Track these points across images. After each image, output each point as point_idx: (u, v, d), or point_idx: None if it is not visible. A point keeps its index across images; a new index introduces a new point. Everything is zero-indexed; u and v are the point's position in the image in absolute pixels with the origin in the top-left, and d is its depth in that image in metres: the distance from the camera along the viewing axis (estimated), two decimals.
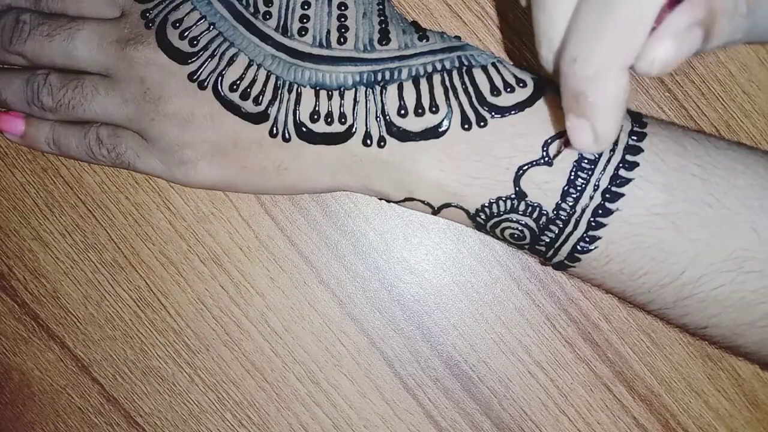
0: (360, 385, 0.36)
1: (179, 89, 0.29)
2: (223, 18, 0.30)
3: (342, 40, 0.29)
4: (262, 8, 0.30)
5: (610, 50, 0.19)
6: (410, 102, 0.28)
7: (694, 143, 0.28)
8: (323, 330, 0.36)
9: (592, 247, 0.28)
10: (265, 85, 0.29)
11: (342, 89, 0.29)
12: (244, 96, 0.29)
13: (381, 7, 0.31)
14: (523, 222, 0.28)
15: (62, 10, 0.32)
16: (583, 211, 0.27)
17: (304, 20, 0.30)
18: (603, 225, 0.27)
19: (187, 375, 0.36)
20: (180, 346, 0.36)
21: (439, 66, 0.29)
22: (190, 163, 0.31)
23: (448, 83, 0.29)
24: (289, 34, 0.29)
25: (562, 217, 0.28)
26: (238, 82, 0.29)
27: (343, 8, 0.30)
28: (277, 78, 0.29)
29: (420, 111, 0.28)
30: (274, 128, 0.29)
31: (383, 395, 0.36)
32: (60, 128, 0.33)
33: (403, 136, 0.29)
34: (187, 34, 0.29)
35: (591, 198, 0.27)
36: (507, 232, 0.29)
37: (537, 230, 0.28)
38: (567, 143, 0.26)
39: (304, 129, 0.29)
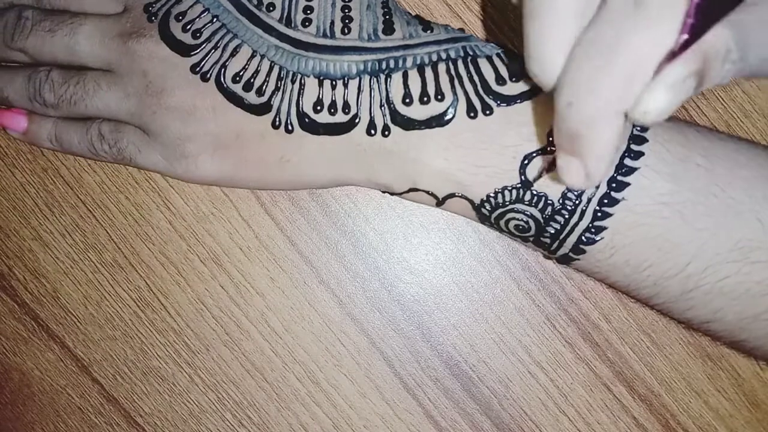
0: (360, 385, 0.36)
1: (181, 82, 0.29)
2: (227, 10, 0.30)
3: (346, 30, 0.29)
4: (266, 0, 0.30)
5: (608, 98, 0.19)
6: (415, 90, 0.28)
7: (698, 135, 0.28)
8: (323, 330, 0.36)
9: (598, 238, 0.28)
10: (268, 75, 0.29)
11: (346, 78, 0.29)
12: (247, 87, 0.29)
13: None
14: (528, 212, 0.28)
15: (64, 6, 0.32)
16: (589, 200, 0.27)
17: (308, 11, 0.30)
18: (609, 215, 0.27)
19: (187, 375, 0.36)
20: (180, 346, 0.36)
21: (444, 55, 0.29)
22: (192, 157, 0.31)
23: (453, 72, 0.29)
24: (292, 25, 0.29)
25: (568, 207, 0.28)
26: (240, 73, 0.29)
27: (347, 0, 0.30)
28: (281, 68, 0.29)
29: (425, 99, 0.28)
30: (277, 119, 0.29)
31: (383, 395, 0.36)
32: (62, 124, 0.33)
33: (408, 124, 0.29)
34: (190, 27, 0.30)
35: (597, 187, 0.27)
36: (512, 224, 0.29)
37: (542, 221, 0.28)
38: (549, 169, 0.26)
39: (307, 119, 0.29)
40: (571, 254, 0.29)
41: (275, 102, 0.29)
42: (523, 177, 0.28)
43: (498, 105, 0.28)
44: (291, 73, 0.29)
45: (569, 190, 0.27)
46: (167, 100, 0.30)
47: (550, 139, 0.28)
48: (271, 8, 0.30)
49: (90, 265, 0.36)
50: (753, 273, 0.27)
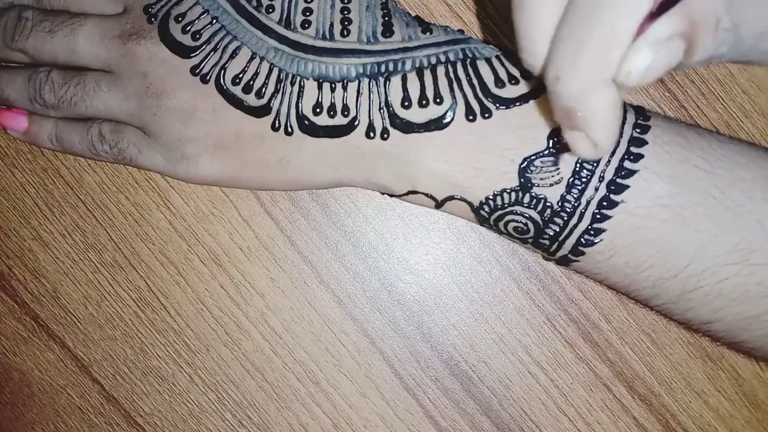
0: (360, 385, 0.36)
1: (181, 83, 0.29)
2: (226, 12, 0.30)
3: (345, 32, 0.29)
4: (265, 2, 0.30)
5: (591, 67, 0.19)
6: (414, 93, 0.28)
7: (697, 136, 0.28)
8: (323, 330, 0.36)
9: (597, 240, 0.28)
10: (267, 77, 0.29)
11: (345, 81, 0.29)
12: (247, 89, 0.29)
13: (384, 1, 0.31)
14: (527, 215, 0.28)
15: (64, 7, 0.32)
16: (588, 203, 0.27)
17: (307, 13, 0.30)
18: (608, 217, 0.27)
19: (187, 375, 0.36)
20: (180, 346, 0.36)
21: (443, 58, 0.29)
22: (192, 158, 0.31)
23: (452, 75, 0.29)
24: (292, 27, 0.29)
25: (567, 209, 0.28)
26: (240, 75, 0.29)
27: (346, 1, 0.30)
28: (280, 71, 0.29)
29: (424, 102, 0.28)
30: (277, 121, 0.29)
31: (383, 395, 0.36)
32: (62, 125, 0.33)
33: (407, 127, 0.29)
34: (190, 28, 0.29)
35: (596, 189, 0.27)
36: (511, 226, 0.29)
37: (541, 223, 0.28)
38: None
39: (307, 122, 0.29)
40: (570, 256, 0.29)
41: (275, 104, 0.29)
42: (522, 179, 0.28)
43: (497, 108, 0.28)
44: (290, 75, 0.29)
45: (568, 192, 0.27)
46: (167, 102, 0.30)
47: (550, 141, 0.28)
48: (270, 10, 0.30)
49: (90, 265, 0.36)
50: (753, 275, 0.27)
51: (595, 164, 0.27)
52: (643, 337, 0.35)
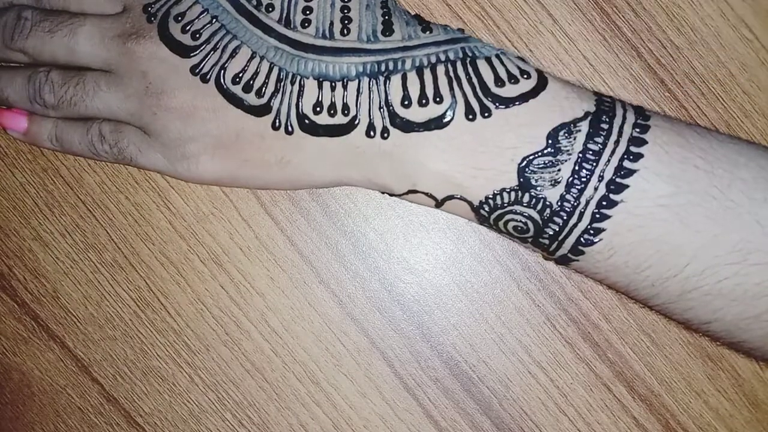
0: (360, 385, 0.36)
1: (181, 83, 0.29)
2: (226, 11, 0.30)
3: (345, 31, 0.29)
4: (265, 1, 0.30)
5: None
6: (414, 93, 0.28)
7: (697, 136, 0.28)
8: (323, 330, 0.36)
9: (596, 240, 0.28)
10: (267, 77, 0.29)
11: (345, 80, 0.29)
12: (247, 88, 0.29)
13: None
14: (526, 214, 0.28)
15: (64, 7, 0.32)
16: (588, 202, 0.27)
17: (307, 12, 0.30)
18: (607, 217, 0.27)
19: (187, 375, 0.36)
20: (180, 346, 0.36)
21: (443, 57, 0.29)
22: (193, 158, 0.31)
23: (452, 74, 0.29)
24: (292, 26, 0.29)
25: (567, 208, 0.28)
26: (240, 74, 0.29)
27: (346, 0, 0.30)
28: (280, 70, 0.29)
29: (424, 102, 0.28)
30: (277, 120, 0.29)
31: (383, 395, 0.36)
32: (62, 125, 0.33)
33: (407, 126, 0.29)
34: (189, 28, 0.29)
35: (595, 189, 0.27)
36: (510, 225, 0.29)
37: (541, 222, 0.28)
38: None
39: (307, 121, 0.29)
40: (569, 255, 0.29)
41: (275, 103, 0.29)
42: (521, 179, 0.28)
43: (496, 107, 0.28)
44: (290, 74, 0.29)
45: (567, 191, 0.27)
46: (167, 101, 0.30)
47: (550, 141, 0.28)
48: (270, 9, 0.30)
49: (90, 265, 0.36)
50: (752, 275, 0.27)
51: (594, 164, 0.27)
52: (643, 337, 0.35)
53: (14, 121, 0.33)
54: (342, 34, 0.29)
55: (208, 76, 0.29)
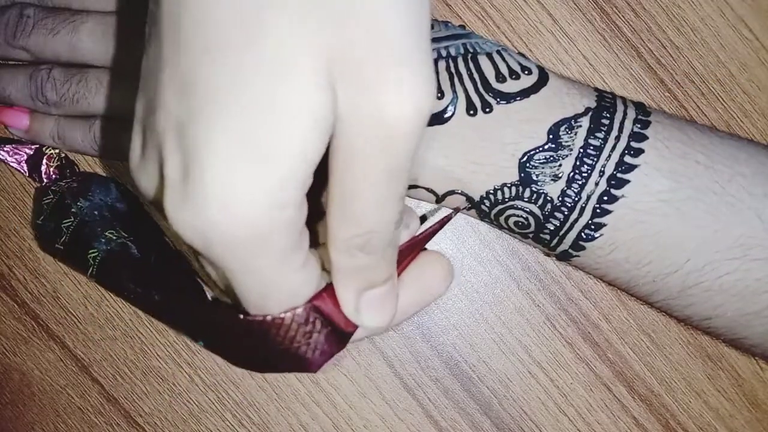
0: (360, 385, 0.36)
1: None
2: None
3: None
4: None
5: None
6: None
7: (698, 132, 0.28)
8: None
9: (597, 235, 0.28)
10: None
11: None
12: None
13: None
14: (527, 209, 0.28)
15: (66, 4, 0.32)
16: (589, 197, 0.27)
17: None
18: (608, 212, 0.27)
19: (187, 375, 0.36)
20: (180, 346, 0.36)
21: (444, 53, 0.29)
22: None
23: (453, 69, 0.29)
24: None
25: (568, 203, 0.28)
26: None
27: None
28: None
29: None
30: None
31: (383, 395, 0.36)
32: (64, 122, 0.33)
33: None
34: None
35: (596, 184, 0.27)
36: (511, 220, 0.29)
37: (542, 217, 0.28)
38: None
39: None
40: (570, 251, 0.29)
41: None
42: (522, 174, 0.28)
43: (498, 102, 0.28)
44: None
45: (568, 187, 0.28)
46: None
47: (551, 136, 0.27)
48: None
49: None
50: (752, 270, 0.27)
51: (595, 159, 0.27)
52: (643, 337, 0.35)
53: (16, 119, 0.33)
54: None
55: None
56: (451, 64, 0.29)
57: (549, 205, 0.28)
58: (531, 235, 0.30)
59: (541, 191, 0.28)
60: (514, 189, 0.28)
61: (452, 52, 0.29)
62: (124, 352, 0.36)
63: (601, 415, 0.36)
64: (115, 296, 0.36)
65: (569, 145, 0.27)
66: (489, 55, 0.29)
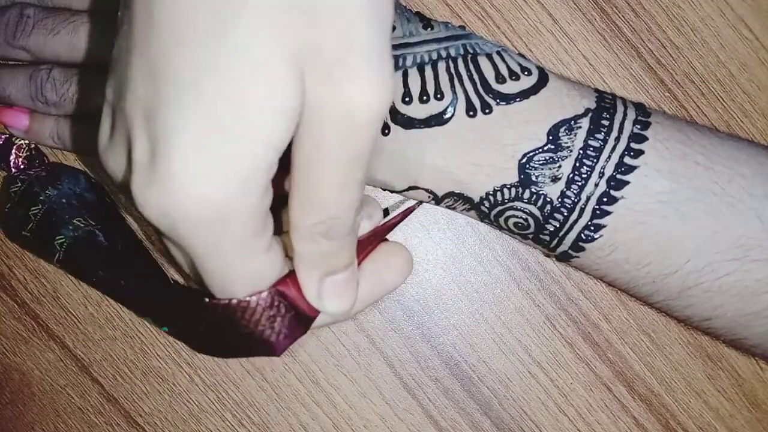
0: (360, 385, 0.36)
1: None
2: None
3: None
4: None
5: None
6: (415, 89, 0.28)
7: (697, 133, 0.28)
8: (323, 330, 0.36)
9: (597, 236, 0.28)
10: None
11: None
12: None
13: None
14: (527, 210, 0.28)
15: (66, 5, 0.32)
16: (588, 199, 0.27)
17: None
18: (608, 213, 0.27)
19: (187, 375, 0.36)
20: (180, 346, 0.36)
21: (444, 53, 0.29)
22: None
23: (453, 70, 0.29)
24: None
25: (567, 205, 0.28)
26: None
27: None
28: None
29: (425, 98, 0.28)
30: None
31: (383, 395, 0.36)
32: (64, 123, 0.33)
33: (408, 123, 0.28)
34: None
35: (596, 186, 0.27)
36: (511, 221, 0.29)
37: (541, 218, 0.28)
38: None
39: None
40: (570, 251, 0.29)
41: None
42: (522, 175, 0.28)
43: (497, 104, 0.28)
44: None
45: (568, 188, 0.28)
46: None
47: (550, 137, 0.27)
48: None
49: None
50: (752, 271, 0.27)
51: (595, 160, 0.27)
52: (643, 337, 0.35)
53: (16, 119, 0.33)
54: None
55: None
56: (451, 65, 0.29)
57: (548, 206, 0.28)
58: (531, 236, 0.30)
59: (541, 192, 0.28)
60: (513, 190, 0.28)
61: (452, 52, 0.29)
62: (124, 352, 0.36)
63: (601, 415, 0.36)
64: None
65: (569, 147, 0.27)
66: (489, 56, 0.29)
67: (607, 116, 0.28)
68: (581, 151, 0.27)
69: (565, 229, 0.28)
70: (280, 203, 0.21)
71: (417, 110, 0.28)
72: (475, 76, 0.28)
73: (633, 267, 0.29)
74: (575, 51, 0.34)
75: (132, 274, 0.27)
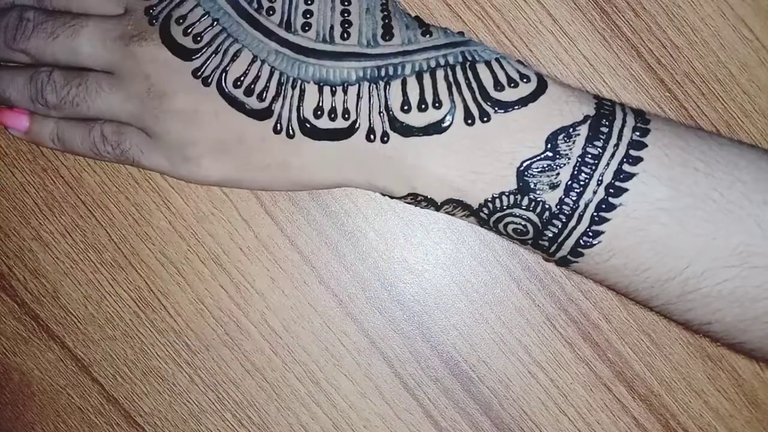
0: (360, 385, 0.36)
1: (183, 86, 0.29)
2: (227, 14, 0.30)
3: (345, 35, 0.29)
4: (266, 4, 0.30)
5: None
6: (413, 97, 0.28)
7: (697, 139, 0.28)
8: (323, 330, 0.36)
9: (596, 242, 0.28)
10: (268, 81, 0.29)
11: (345, 85, 0.29)
12: (248, 92, 0.29)
13: (384, 2, 0.31)
14: (526, 217, 0.28)
15: (66, 8, 0.32)
16: (587, 206, 0.27)
17: (308, 15, 0.30)
18: (606, 220, 0.27)
19: (187, 375, 0.36)
20: (180, 346, 0.36)
21: (442, 61, 0.29)
22: (194, 160, 0.31)
23: (451, 78, 0.29)
24: (292, 29, 0.29)
25: (566, 212, 0.28)
26: (241, 78, 0.29)
27: (346, 3, 0.30)
28: (281, 74, 0.29)
29: (423, 106, 0.28)
30: (278, 124, 0.29)
31: (383, 395, 0.36)
32: (64, 125, 0.33)
33: (407, 131, 0.29)
34: (191, 31, 0.29)
35: (594, 193, 0.27)
36: (510, 228, 0.29)
37: (540, 225, 0.28)
38: None
39: (308, 125, 0.29)
40: (569, 257, 0.29)
41: (276, 108, 0.29)
42: (520, 183, 0.28)
43: (495, 112, 0.28)
44: (291, 78, 0.29)
45: (566, 195, 0.28)
46: (169, 104, 0.30)
47: (548, 145, 0.28)
48: (271, 12, 0.30)
49: (90, 265, 0.36)
50: (752, 277, 0.27)
51: (593, 167, 0.27)
52: (643, 337, 0.35)
53: (16, 121, 0.33)
54: (342, 38, 0.29)
55: (210, 80, 0.29)
56: (450, 73, 0.29)
57: (547, 213, 0.28)
58: (530, 242, 0.30)
59: (539, 199, 0.28)
60: (512, 197, 0.28)
61: (450, 60, 0.29)
62: (124, 352, 0.36)
63: (601, 415, 0.36)
64: (114, 296, 0.36)
65: (567, 154, 0.27)
66: (487, 63, 0.29)
67: (606, 123, 0.28)
68: (580, 159, 0.27)
69: (563, 235, 0.28)
70: None
71: (415, 118, 0.28)
72: (474, 84, 0.28)
73: (632, 272, 0.29)
74: (575, 51, 0.34)
75: None
